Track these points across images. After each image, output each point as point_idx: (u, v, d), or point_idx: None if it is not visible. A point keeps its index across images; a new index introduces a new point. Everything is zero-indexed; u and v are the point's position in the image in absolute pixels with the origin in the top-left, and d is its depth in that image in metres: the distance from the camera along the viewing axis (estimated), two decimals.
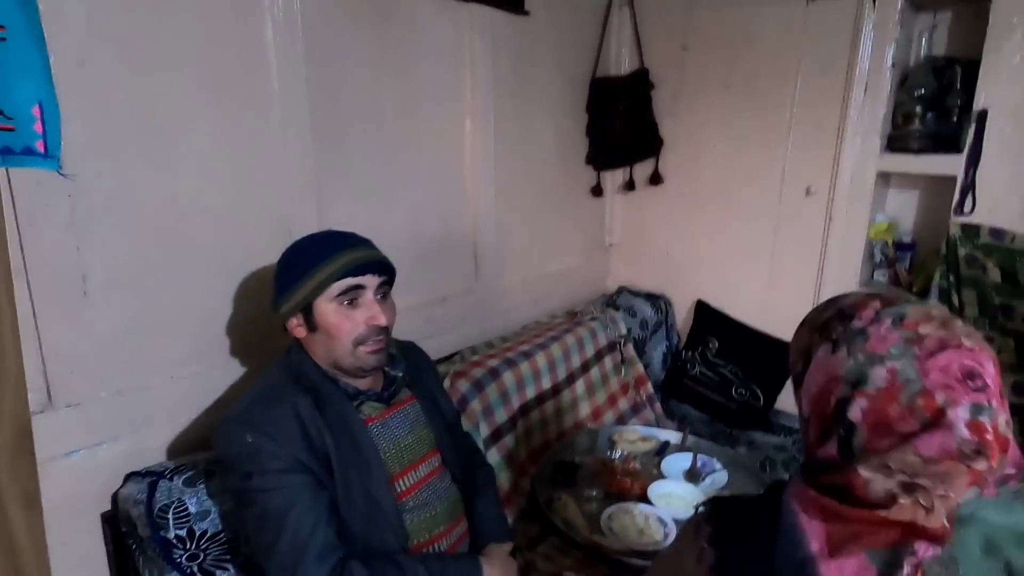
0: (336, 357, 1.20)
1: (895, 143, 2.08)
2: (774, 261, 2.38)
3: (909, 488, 0.63)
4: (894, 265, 2.22)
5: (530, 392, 1.97)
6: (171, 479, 1.28)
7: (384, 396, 1.28)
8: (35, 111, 0.87)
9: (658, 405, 2.39)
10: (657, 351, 2.58)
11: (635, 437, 1.97)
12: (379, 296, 1.21)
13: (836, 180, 2.18)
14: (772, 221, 2.36)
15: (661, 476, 1.76)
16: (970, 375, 0.65)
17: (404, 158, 1.84)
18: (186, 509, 1.25)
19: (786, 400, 2.35)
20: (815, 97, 2.18)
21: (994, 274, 1.92)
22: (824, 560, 0.63)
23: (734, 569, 0.69)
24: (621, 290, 2.68)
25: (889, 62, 2.02)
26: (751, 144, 2.35)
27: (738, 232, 2.45)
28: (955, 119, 1.98)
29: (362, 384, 1.26)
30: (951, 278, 1.98)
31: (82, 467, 1.28)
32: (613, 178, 2.69)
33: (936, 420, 0.64)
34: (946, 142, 1.98)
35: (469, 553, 1.35)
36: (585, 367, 2.20)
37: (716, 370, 2.47)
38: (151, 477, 1.28)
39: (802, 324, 0.81)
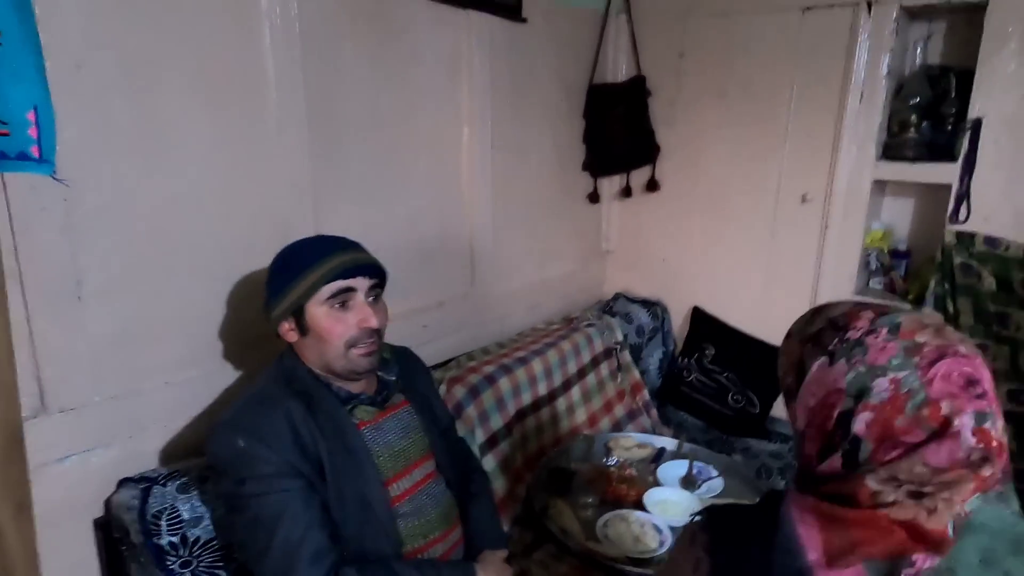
0: (328, 360, 1.19)
1: (890, 151, 2.09)
2: (770, 268, 2.39)
3: (916, 496, 0.62)
4: (890, 273, 2.23)
5: (526, 398, 1.97)
6: (164, 485, 1.27)
7: (377, 400, 1.27)
8: (30, 116, 0.87)
9: (654, 412, 2.38)
10: (653, 357, 2.58)
11: (631, 444, 1.96)
12: (370, 299, 1.21)
13: (832, 188, 2.19)
14: (768, 228, 2.37)
15: (657, 483, 1.76)
16: (970, 382, 0.65)
17: (401, 163, 1.84)
18: (179, 515, 1.24)
19: (782, 407, 2.35)
20: (811, 105, 2.19)
21: (989, 282, 1.92)
22: (822, 570, 0.63)
23: None
24: (617, 296, 2.68)
25: (884, 71, 2.04)
26: (747, 151, 2.36)
27: (734, 239, 2.45)
28: (950, 128, 1.99)
29: (355, 388, 1.25)
30: (946, 286, 1.99)
31: (75, 472, 1.27)
32: (610, 185, 2.69)
33: (943, 429, 0.63)
34: (941, 151, 1.99)
35: (463, 560, 1.34)
36: (581, 373, 2.20)
37: (712, 377, 2.47)
38: (144, 483, 1.27)
39: (788, 336, 0.80)
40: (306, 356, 1.22)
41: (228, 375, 1.51)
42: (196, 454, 1.39)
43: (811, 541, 0.64)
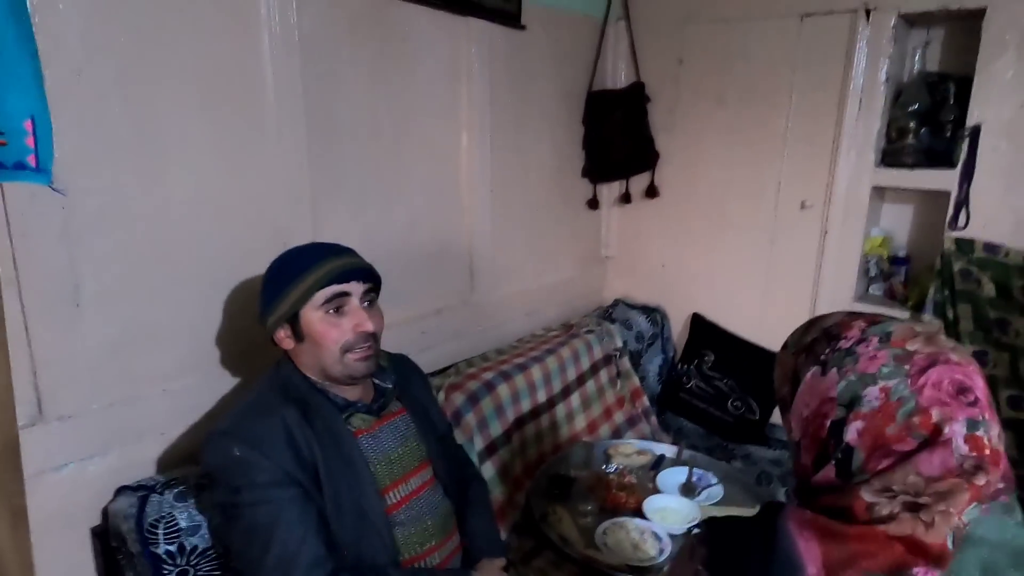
0: (325, 366, 1.19)
1: (889, 158, 2.09)
2: (769, 274, 2.39)
3: (912, 508, 0.62)
4: (889, 279, 2.23)
5: (525, 405, 1.96)
6: (162, 493, 1.26)
7: (374, 408, 1.27)
8: (27, 125, 0.87)
9: (654, 418, 2.38)
10: (653, 364, 2.58)
11: (631, 451, 1.96)
12: (365, 303, 1.21)
13: (831, 194, 2.19)
14: (767, 235, 2.37)
15: (657, 490, 1.75)
16: (962, 390, 0.64)
17: (400, 170, 1.84)
18: (176, 524, 1.24)
19: None
20: (810, 112, 2.20)
21: (988, 288, 1.92)
22: None
23: None
24: (617, 303, 2.68)
25: (883, 77, 2.04)
26: (746, 158, 2.36)
27: (734, 245, 2.45)
28: (949, 134, 1.99)
29: (351, 395, 1.25)
30: (946, 292, 1.99)
31: (72, 481, 1.27)
32: (609, 191, 2.70)
33: (934, 437, 0.63)
34: (940, 157, 2.00)
35: (461, 568, 1.33)
36: (581, 380, 2.19)
37: (712, 383, 2.46)
38: (142, 491, 1.27)
39: (784, 348, 0.80)
40: (303, 363, 1.22)
41: (226, 382, 1.51)
42: (194, 462, 1.39)
43: (810, 555, 0.63)
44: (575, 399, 2.15)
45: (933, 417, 0.63)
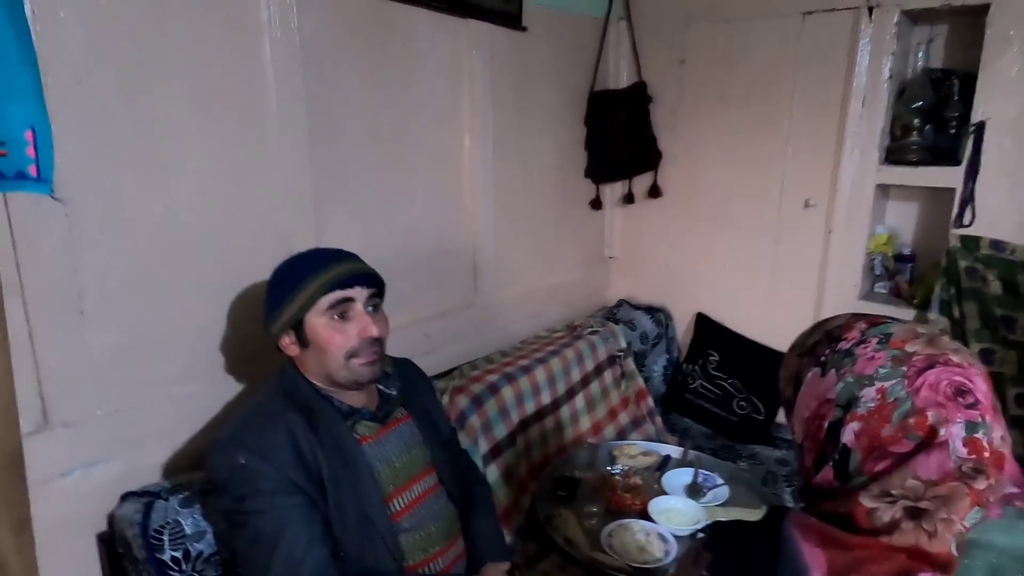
0: (330, 371, 1.19)
1: (893, 155, 2.08)
2: (774, 273, 2.38)
3: (913, 514, 0.62)
4: (894, 277, 2.22)
5: (529, 407, 1.96)
6: (167, 499, 1.26)
7: (378, 415, 1.27)
8: (27, 135, 0.87)
9: (659, 419, 2.37)
10: (658, 364, 2.57)
11: (636, 452, 1.95)
12: (370, 308, 1.20)
13: (835, 193, 2.18)
14: (771, 234, 2.36)
15: (662, 491, 1.75)
16: (960, 391, 0.64)
17: (402, 174, 1.84)
18: (182, 530, 1.24)
19: None
20: (813, 110, 2.19)
21: (995, 286, 1.91)
22: None
23: None
24: (621, 303, 2.67)
25: (886, 74, 2.03)
26: (749, 157, 2.35)
27: (738, 245, 2.44)
28: (953, 131, 1.98)
29: (356, 401, 1.25)
30: (952, 290, 1.98)
31: (78, 487, 1.27)
32: (612, 191, 2.69)
33: (929, 439, 0.63)
34: (944, 154, 1.98)
35: (466, 573, 1.33)
36: (585, 381, 2.19)
37: (717, 383, 2.45)
38: (147, 497, 1.27)
39: (790, 349, 0.80)
40: (307, 369, 1.22)
41: (230, 388, 1.51)
42: (199, 467, 1.38)
43: (815, 560, 0.63)
44: (579, 400, 2.15)
45: (929, 419, 0.63)
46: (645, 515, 1.63)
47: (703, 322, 2.57)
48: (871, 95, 2.06)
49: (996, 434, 0.64)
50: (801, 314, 2.30)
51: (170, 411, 1.40)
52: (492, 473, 1.78)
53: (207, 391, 1.47)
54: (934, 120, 2.02)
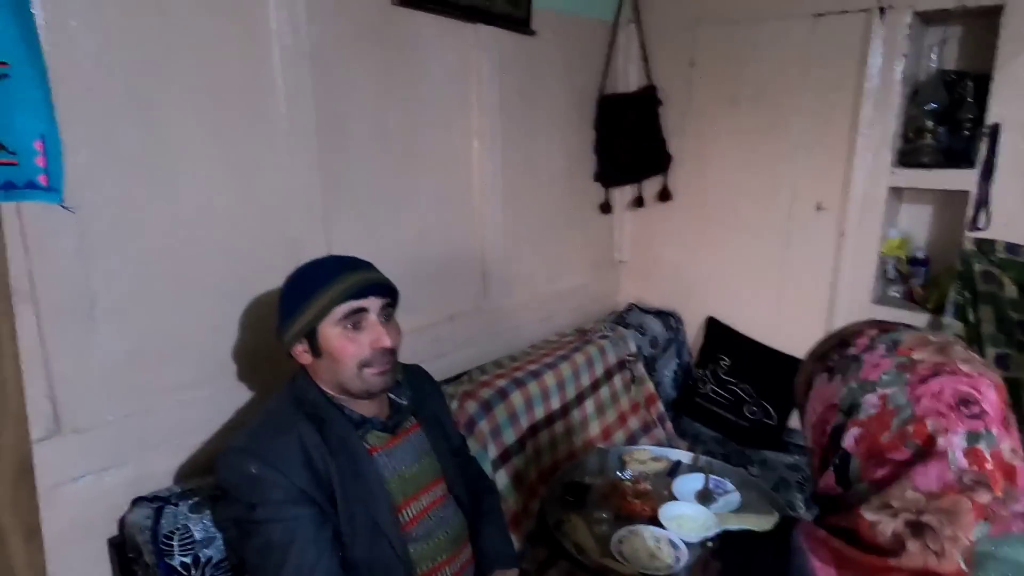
0: (342, 381, 1.19)
1: (907, 158, 2.06)
2: (785, 277, 2.36)
3: (916, 528, 0.61)
4: (908, 281, 2.19)
5: (539, 412, 1.95)
6: (177, 505, 1.27)
7: (389, 425, 1.27)
8: (37, 145, 0.88)
9: (669, 424, 2.36)
10: (668, 369, 2.56)
11: (646, 457, 1.94)
12: (383, 318, 1.20)
13: (847, 195, 2.16)
14: (782, 237, 2.34)
15: (672, 497, 1.73)
16: (964, 401, 0.63)
17: (411, 179, 1.85)
18: (191, 536, 1.24)
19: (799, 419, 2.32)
20: (824, 112, 2.17)
21: (1011, 290, 1.88)
22: None
23: None
24: (631, 307, 2.66)
25: (899, 76, 2.01)
26: (760, 160, 2.34)
27: (748, 248, 2.43)
28: (967, 133, 1.96)
29: (367, 411, 1.24)
30: (967, 294, 1.96)
31: (89, 492, 1.28)
32: (622, 195, 2.68)
33: (928, 448, 0.62)
34: (958, 156, 1.96)
35: None
36: (595, 386, 2.18)
37: (728, 388, 2.44)
38: (157, 502, 1.27)
39: (807, 354, 0.80)
40: (320, 377, 1.22)
41: (241, 395, 1.52)
42: (210, 472, 1.39)
43: (824, 573, 0.62)
44: (589, 405, 2.14)
45: (928, 427, 0.63)
46: (655, 521, 1.61)
47: (714, 326, 2.56)
48: (883, 97, 2.04)
49: (1004, 446, 0.63)
50: (813, 318, 2.29)
51: (180, 416, 1.41)
52: (501, 478, 1.77)
53: (217, 396, 1.47)
54: (948, 122, 2.00)
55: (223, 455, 1.13)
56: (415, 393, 1.33)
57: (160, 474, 1.39)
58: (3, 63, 0.84)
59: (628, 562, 1.49)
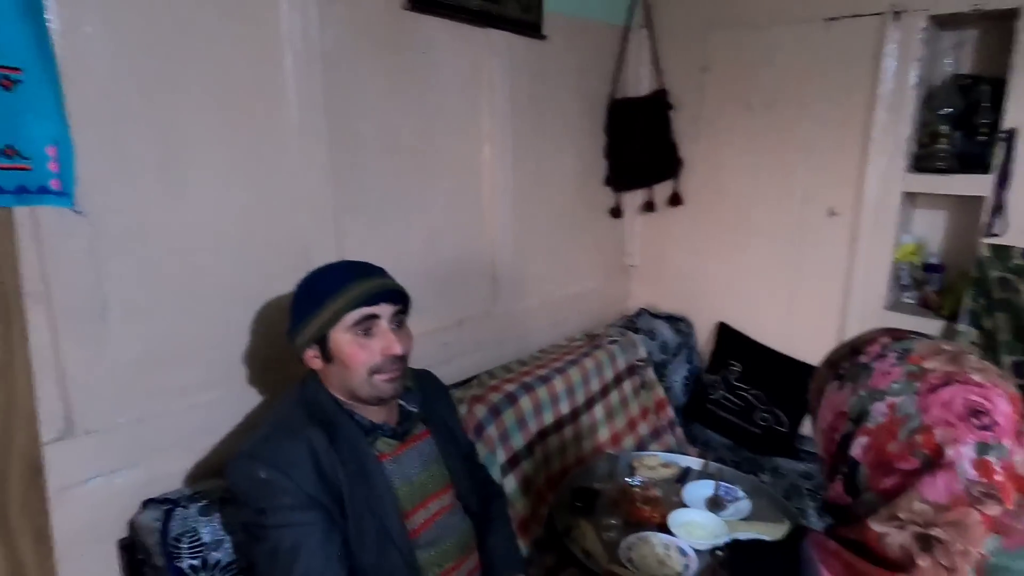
0: (352, 387, 1.19)
1: (921, 162, 2.04)
2: (797, 283, 2.34)
3: (925, 541, 0.60)
4: (922, 287, 2.17)
5: (548, 417, 1.95)
6: (186, 507, 1.28)
7: (398, 432, 1.26)
8: (50, 151, 0.89)
9: (679, 430, 2.35)
10: (678, 374, 2.54)
11: (655, 463, 1.93)
12: (394, 325, 1.20)
13: (860, 201, 2.15)
14: (795, 242, 2.32)
15: (682, 504, 1.72)
16: (974, 412, 0.62)
17: (422, 183, 1.85)
18: (200, 539, 1.25)
19: (811, 426, 2.30)
20: (837, 117, 2.15)
21: None
22: None
23: None
24: (641, 312, 2.65)
25: (913, 81, 1.99)
26: (772, 165, 2.32)
27: (760, 253, 2.41)
28: (983, 138, 1.94)
29: (377, 417, 1.24)
30: (982, 301, 1.93)
31: (100, 493, 1.29)
32: (632, 199, 2.67)
33: (936, 458, 0.61)
34: (974, 161, 1.94)
35: None
36: (604, 391, 2.17)
37: (739, 394, 2.42)
38: (167, 505, 1.28)
39: (821, 361, 0.79)
40: (330, 382, 1.22)
41: (252, 398, 1.52)
42: (219, 475, 1.39)
43: None
44: (598, 410, 2.13)
45: (936, 437, 0.62)
46: (664, 528, 1.60)
47: (725, 332, 2.54)
48: (897, 102, 2.02)
49: (1017, 458, 0.62)
50: (825, 324, 2.27)
51: (191, 419, 1.41)
52: (510, 483, 1.77)
53: (228, 399, 1.48)
54: (963, 127, 1.98)
55: (233, 460, 1.13)
56: (425, 400, 1.33)
57: (170, 476, 1.39)
58: (17, 69, 0.85)
59: (637, 569, 1.48)
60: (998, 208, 1.88)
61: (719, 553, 0.74)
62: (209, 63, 1.35)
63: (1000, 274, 1.90)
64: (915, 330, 0.75)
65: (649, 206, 2.61)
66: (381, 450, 1.23)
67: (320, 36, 1.51)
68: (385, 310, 1.18)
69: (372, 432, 1.22)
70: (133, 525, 1.31)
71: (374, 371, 1.17)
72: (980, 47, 2.05)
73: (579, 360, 2.13)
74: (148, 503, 1.31)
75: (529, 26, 2.06)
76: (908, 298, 2.21)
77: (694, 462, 1.94)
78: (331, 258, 1.49)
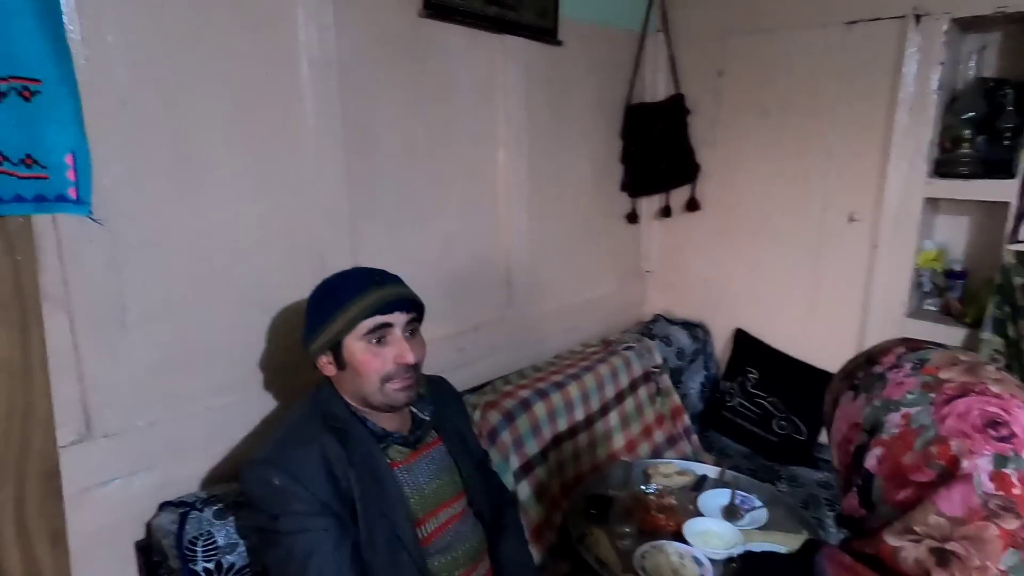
0: (365, 394, 1.20)
1: (943, 168, 2.01)
2: (816, 289, 2.32)
3: (941, 556, 0.58)
4: (944, 294, 2.13)
5: (562, 424, 1.94)
6: (202, 510, 1.29)
7: (410, 440, 1.27)
8: (68, 160, 0.91)
9: (695, 437, 2.32)
10: (695, 381, 2.52)
11: (671, 471, 1.91)
12: (407, 333, 1.20)
13: (881, 207, 2.12)
14: (813, 248, 2.30)
15: (698, 513, 1.70)
16: (992, 423, 0.61)
17: (437, 189, 1.86)
18: (215, 542, 1.26)
19: None
20: (857, 122, 2.13)
21: None
22: None
23: None
24: (657, 318, 2.64)
25: (935, 85, 1.96)
26: (790, 170, 2.30)
27: (778, 259, 2.39)
28: (1007, 143, 1.90)
29: (390, 425, 1.25)
30: (1006, 308, 1.89)
31: (118, 495, 1.30)
32: (649, 204, 2.66)
33: (952, 470, 0.60)
34: (998, 167, 1.91)
35: None
36: (619, 397, 2.16)
37: (756, 401, 2.39)
38: (183, 508, 1.29)
39: (837, 372, 0.78)
40: (344, 389, 1.23)
41: (267, 402, 1.53)
42: (235, 479, 1.40)
43: None
44: (613, 417, 2.12)
45: (952, 448, 0.60)
46: (679, 537, 1.59)
47: (742, 338, 2.52)
48: (919, 106, 1.99)
49: None
50: (844, 331, 2.24)
51: (208, 423, 1.43)
52: (524, 490, 1.76)
53: (244, 404, 1.49)
54: (987, 131, 1.94)
55: (247, 466, 1.14)
56: (437, 407, 1.33)
57: (187, 479, 1.41)
58: (36, 80, 0.87)
59: None
60: (1023, 214, 1.85)
61: (732, 566, 0.73)
62: (226, 71, 1.37)
63: None
64: (934, 340, 0.74)
65: (666, 211, 2.60)
66: (393, 458, 1.23)
67: (336, 44, 1.52)
68: (399, 319, 1.19)
69: (384, 440, 1.22)
70: (150, 527, 1.33)
71: (386, 379, 1.18)
72: (1004, 50, 2.01)
73: (594, 366, 2.12)
74: (164, 506, 1.33)
75: (545, 32, 2.06)
76: (930, 305, 2.17)
77: (710, 470, 1.92)
78: (347, 264, 1.50)
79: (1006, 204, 1.87)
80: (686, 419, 2.32)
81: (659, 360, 2.34)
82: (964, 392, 0.62)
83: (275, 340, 1.52)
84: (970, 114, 1.95)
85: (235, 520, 1.29)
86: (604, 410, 2.09)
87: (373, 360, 1.17)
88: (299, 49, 1.47)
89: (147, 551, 1.33)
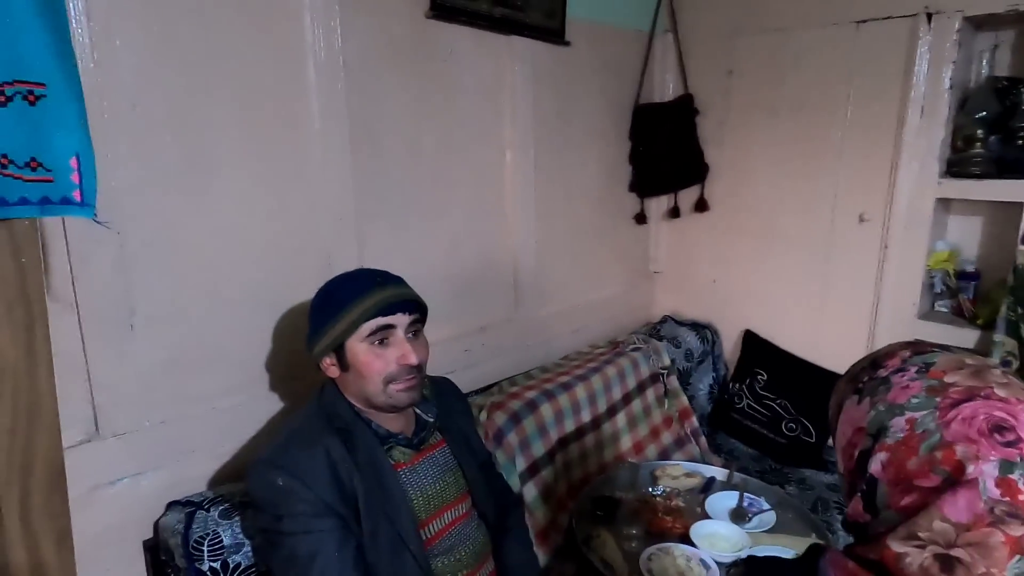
0: (368, 395, 1.20)
1: (955, 168, 1.99)
2: (826, 290, 2.30)
3: (946, 562, 0.58)
4: (957, 296, 2.11)
5: (569, 425, 1.93)
6: (208, 510, 1.29)
7: (414, 442, 1.27)
8: (72, 163, 0.92)
9: (703, 439, 2.31)
10: (703, 383, 2.51)
11: (678, 472, 1.90)
12: (410, 334, 1.21)
13: (892, 207, 2.10)
14: (823, 249, 2.28)
15: (705, 515, 1.69)
16: (998, 428, 0.60)
17: (444, 190, 1.86)
18: (221, 541, 1.26)
19: None
20: (867, 121, 2.11)
21: None
22: None
23: None
24: (665, 319, 2.62)
25: (947, 84, 1.94)
26: (800, 170, 2.28)
27: (788, 260, 2.37)
28: (1021, 142, 1.88)
29: (393, 426, 1.25)
30: (1019, 310, 1.87)
31: (126, 495, 1.32)
32: (657, 205, 2.65)
33: (957, 475, 0.59)
34: (1011, 166, 1.88)
35: None
36: (627, 399, 2.15)
37: (765, 403, 2.38)
38: (190, 507, 1.30)
39: (842, 375, 0.77)
40: (347, 390, 1.23)
41: (274, 403, 1.54)
42: (241, 479, 1.41)
43: None
44: (621, 419, 2.11)
45: (957, 453, 0.60)
46: (686, 539, 1.58)
47: (751, 340, 2.50)
48: (930, 105, 1.97)
49: None
50: (854, 333, 2.22)
51: (215, 423, 1.44)
52: (530, 491, 1.76)
53: (251, 404, 1.50)
54: (999, 131, 1.92)
55: (252, 467, 1.15)
56: (441, 408, 1.34)
57: (194, 479, 1.42)
58: (41, 84, 0.88)
59: None
60: None
61: (734, 571, 0.73)
62: (233, 74, 1.37)
63: None
64: (946, 342, 0.73)
65: (674, 212, 2.59)
66: (397, 459, 1.23)
67: (343, 46, 1.53)
68: (401, 320, 1.19)
69: (388, 441, 1.23)
70: (157, 526, 1.34)
71: (389, 380, 1.18)
72: (1017, 48, 1.99)
73: (601, 367, 2.12)
74: (172, 505, 1.34)
75: (552, 32, 2.06)
76: (942, 307, 2.15)
77: (718, 472, 1.91)
78: (353, 265, 1.50)
79: (1020, 204, 1.85)
80: (694, 421, 2.31)
81: (667, 361, 2.33)
82: (970, 396, 0.62)
83: (282, 341, 1.53)
84: (982, 113, 1.92)
85: (241, 520, 1.30)
86: (611, 412, 2.09)
87: (376, 361, 1.17)
88: (306, 51, 1.47)
89: (154, 550, 1.34)
